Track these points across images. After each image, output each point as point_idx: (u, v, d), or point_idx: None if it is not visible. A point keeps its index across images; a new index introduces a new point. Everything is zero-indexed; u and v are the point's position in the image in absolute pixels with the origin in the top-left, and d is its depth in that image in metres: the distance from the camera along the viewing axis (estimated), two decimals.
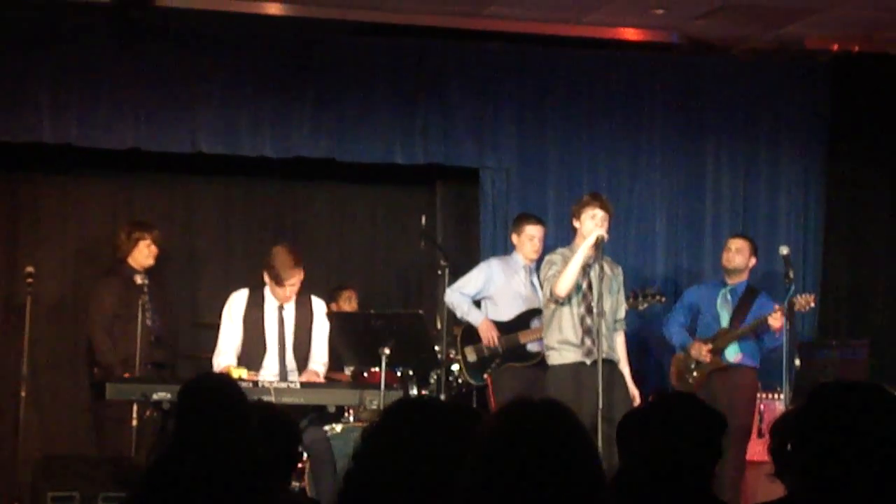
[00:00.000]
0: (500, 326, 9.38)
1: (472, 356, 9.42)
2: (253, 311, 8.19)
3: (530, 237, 9.39)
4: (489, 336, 9.33)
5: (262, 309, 8.20)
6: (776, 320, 8.97)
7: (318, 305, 8.35)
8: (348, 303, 10.37)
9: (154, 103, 9.89)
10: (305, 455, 7.61)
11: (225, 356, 8.14)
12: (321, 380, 8.28)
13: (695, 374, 9.30)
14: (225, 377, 6.49)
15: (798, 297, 9.20)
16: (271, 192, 11.07)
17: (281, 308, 8.21)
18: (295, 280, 8.17)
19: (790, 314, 8.89)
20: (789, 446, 2.68)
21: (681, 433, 3.54)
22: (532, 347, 9.21)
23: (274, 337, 8.21)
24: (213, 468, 4.05)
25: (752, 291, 9.47)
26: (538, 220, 9.50)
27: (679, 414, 3.67)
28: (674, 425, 3.57)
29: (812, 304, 9.34)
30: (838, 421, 2.61)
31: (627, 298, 9.22)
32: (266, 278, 8.22)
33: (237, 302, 8.24)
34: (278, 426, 4.87)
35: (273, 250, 8.27)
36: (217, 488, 4.02)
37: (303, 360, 8.23)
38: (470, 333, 9.45)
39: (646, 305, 9.34)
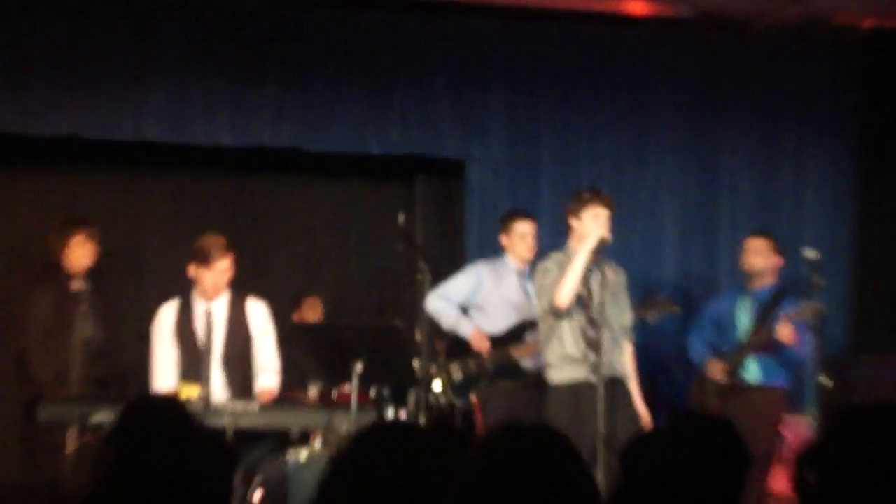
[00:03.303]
0: (490, 340, 9.35)
1: (457, 373, 9.39)
2: (183, 321, 8.20)
3: (521, 235, 9.37)
4: (482, 348, 9.29)
5: (192, 316, 8.19)
6: (784, 330, 8.91)
7: (256, 307, 8.33)
8: (312, 311, 10.37)
9: (95, 85, 9.88)
10: (260, 492, 7.61)
11: (164, 378, 8.12)
12: (276, 390, 8.26)
13: (714, 395, 9.25)
14: (171, 398, 6.48)
15: (805, 305, 9.11)
16: (228, 185, 11.09)
17: (209, 312, 8.19)
18: (224, 264, 8.16)
19: (814, 326, 8.84)
20: (814, 479, 2.67)
21: (698, 462, 3.51)
22: (526, 364, 9.19)
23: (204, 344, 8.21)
24: (155, 499, 4.04)
25: (778, 295, 9.31)
26: (528, 215, 9.49)
27: (700, 440, 3.63)
28: (691, 452, 3.53)
29: (823, 312, 9.22)
30: (866, 450, 2.59)
31: (635, 308, 9.22)
32: (192, 272, 8.20)
33: (166, 315, 8.28)
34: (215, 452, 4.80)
35: (201, 237, 8.27)
36: None
37: (237, 371, 8.18)
38: (456, 347, 9.43)
39: (656, 316, 9.32)
